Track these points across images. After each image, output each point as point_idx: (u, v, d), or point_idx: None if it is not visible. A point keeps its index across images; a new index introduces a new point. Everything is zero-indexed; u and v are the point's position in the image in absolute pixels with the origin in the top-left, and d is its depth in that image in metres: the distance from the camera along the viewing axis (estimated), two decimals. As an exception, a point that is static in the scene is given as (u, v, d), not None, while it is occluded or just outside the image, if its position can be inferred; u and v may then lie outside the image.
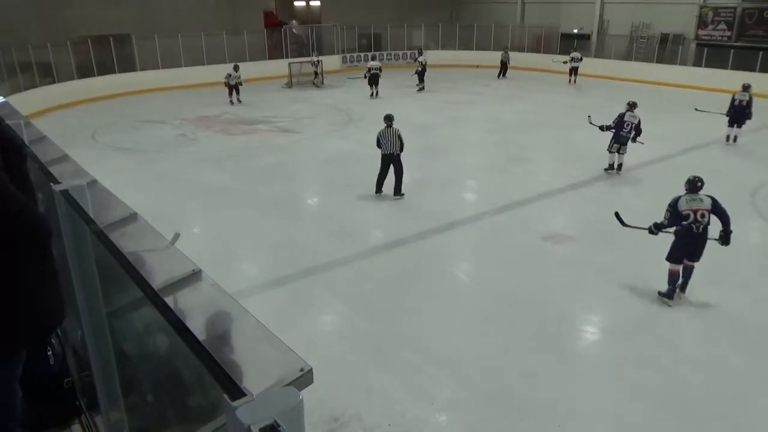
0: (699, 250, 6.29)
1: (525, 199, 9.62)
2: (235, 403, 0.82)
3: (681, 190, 6.52)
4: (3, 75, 16.04)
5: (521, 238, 8.13)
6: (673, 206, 6.30)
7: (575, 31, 25.04)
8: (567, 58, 21.84)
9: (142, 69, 20.73)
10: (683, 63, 21.32)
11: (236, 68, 18.09)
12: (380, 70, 19.20)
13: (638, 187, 10.42)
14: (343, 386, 4.98)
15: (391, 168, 9.45)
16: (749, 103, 12.78)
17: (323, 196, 10.31)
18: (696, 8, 21.25)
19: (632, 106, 10.95)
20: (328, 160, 12.11)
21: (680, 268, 6.38)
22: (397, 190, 9.50)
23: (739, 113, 12.85)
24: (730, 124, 13.15)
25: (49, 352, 2.53)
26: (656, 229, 6.58)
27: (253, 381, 0.89)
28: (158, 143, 13.67)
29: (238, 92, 18.32)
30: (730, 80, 19.21)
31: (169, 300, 1.17)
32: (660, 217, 6.49)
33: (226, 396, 0.85)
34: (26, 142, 2.75)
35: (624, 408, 4.80)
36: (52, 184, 1.84)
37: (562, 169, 11.44)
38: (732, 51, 19.84)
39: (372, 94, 19.10)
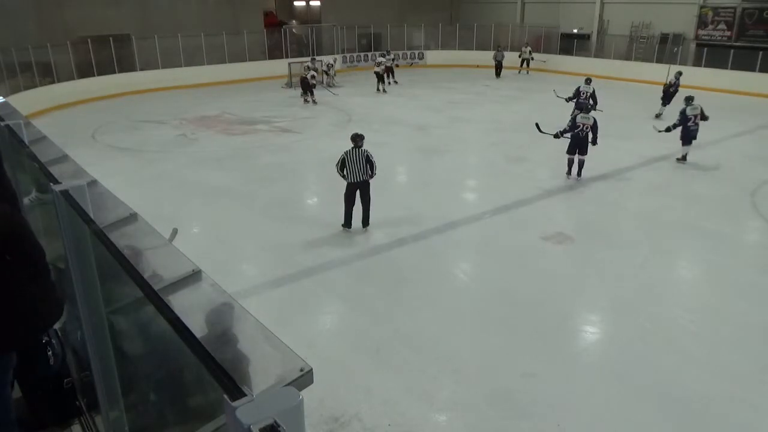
0: (584, 147, 10.37)
1: (525, 199, 9.62)
2: (235, 403, 0.82)
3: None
4: (3, 75, 16.03)
5: (521, 238, 8.13)
6: (573, 120, 10.43)
7: (575, 31, 25.04)
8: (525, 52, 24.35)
9: (142, 69, 20.73)
10: (683, 63, 21.29)
11: (317, 69, 18.69)
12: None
13: (638, 186, 10.42)
14: (343, 386, 4.98)
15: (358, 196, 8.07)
16: (676, 86, 15.16)
17: (323, 196, 10.30)
18: (696, 8, 21.25)
19: (588, 81, 13.92)
20: (328, 160, 12.04)
21: (575, 158, 10.48)
22: (366, 221, 8.22)
23: (669, 97, 15.11)
24: (664, 103, 15.36)
25: (49, 352, 2.53)
26: (561, 134, 10.48)
27: (253, 381, 0.89)
28: (158, 143, 13.66)
29: (313, 92, 18.25)
30: (730, 80, 19.29)
31: (169, 300, 1.17)
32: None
33: (226, 396, 0.85)
34: (26, 142, 2.75)
35: (624, 408, 4.80)
36: (52, 184, 1.84)
37: (561, 169, 11.44)
38: (732, 51, 19.84)
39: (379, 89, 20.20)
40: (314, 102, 17.99)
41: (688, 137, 11.26)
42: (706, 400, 4.88)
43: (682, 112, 11.30)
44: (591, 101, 12.93)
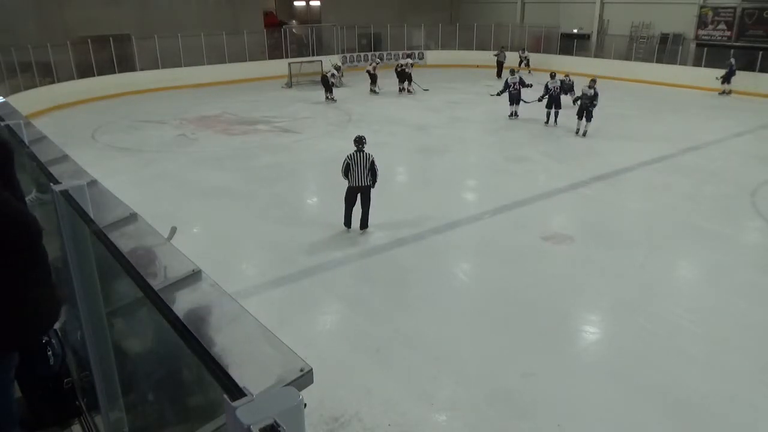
0: (558, 103, 14.54)
1: (525, 199, 9.62)
2: (235, 403, 0.82)
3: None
4: (3, 75, 16.03)
5: (521, 238, 8.13)
6: (506, 82, 15.27)
7: (575, 31, 25.04)
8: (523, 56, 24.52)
9: (142, 69, 20.72)
10: (683, 63, 21.31)
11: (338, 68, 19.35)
12: (410, 66, 19.97)
13: (638, 186, 10.43)
14: (343, 386, 4.98)
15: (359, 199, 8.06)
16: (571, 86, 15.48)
17: (323, 196, 10.31)
18: (696, 8, 21.24)
19: (566, 76, 16.00)
20: (328, 160, 12.07)
21: (552, 111, 14.67)
22: (364, 224, 8.20)
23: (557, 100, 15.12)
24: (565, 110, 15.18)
25: (49, 352, 2.52)
26: (541, 98, 14.78)
27: (253, 381, 0.89)
28: (158, 143, 13.66)
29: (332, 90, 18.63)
30: (730, 80, 19.27)
31: (169, 300, 1.17)
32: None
33: (226, 396, 0.85)
34: (26, 142, 2.75)
35: (624, 408, 4.80)
36: (52, 184, 1.84)
37: (561, 169, 11.45)
38: (732, 51, 19.84)
39: (401, 90, 19.97)
40: (333, 100, 18.27)
41: (510, 99, 15.46)
42: (706, 400, 4.88)
43: (505, 81, 15.52)
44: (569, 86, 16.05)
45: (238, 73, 22.28)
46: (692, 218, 8.88)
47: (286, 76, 21.62)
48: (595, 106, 13.28)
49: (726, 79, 18.91)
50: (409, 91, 19.77)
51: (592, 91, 13.18)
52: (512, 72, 15.83)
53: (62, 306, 2.25)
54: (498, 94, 15.98)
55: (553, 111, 14.70)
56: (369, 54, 25.38)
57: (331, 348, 5.64)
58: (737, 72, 18.87)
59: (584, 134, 13.56)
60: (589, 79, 13.91)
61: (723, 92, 19.15)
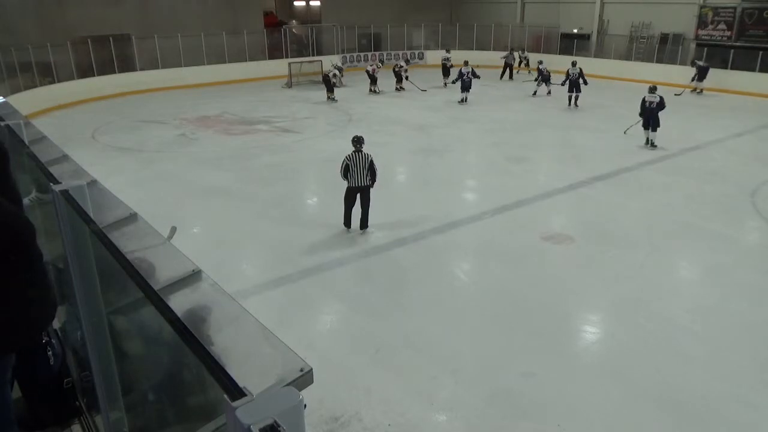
0: (577, 87, 16.91)
1: (525, 199, 9.62)
2: (235, 403, 0.82)
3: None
4: (3, 75, 16.02)
5: (521, 238, 8.13)
6: (459, 71, 17.62)
7: (575, 31, 25.02)
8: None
9: (142, 69, 20.72)
10: (683, 63, 21.29)
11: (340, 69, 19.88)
12: (449, 60, 21.50)
13: (638, 186, 10.43)
14: (343, 386, 4.98)
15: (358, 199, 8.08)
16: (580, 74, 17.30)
17: (323, 196, 10.30)
18: (696, 8, 21.23)
19: (579, 68, 17.35)
20: (328, 159, 12.07)
21: (572, 95, 17.07)
22: (364, 224, 8.20)
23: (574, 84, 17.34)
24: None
25: (49, 352, 2.52)
26: (563, 83, 17.26)
27: (253, 381, 0.89)
28: (158, 143, 13.66)
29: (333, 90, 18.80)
30: (730, 80, 19.29)
31: (169, 300, 1.17)
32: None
33: (226, 396, 0.85)
34: (26, 142, 2.75)
35: (624, 408, 4.80)
36: (52, 184, 1.84)
37: (561, 169, 11.45)
38: (732, 51, 19.83)
39: (445, 84, 21.17)
40: (335, 99, 18.40)
41: (462, 87, 17.75)
42: (706, 400, 4.88)
43: (459, 71, 17.76)
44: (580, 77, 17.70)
45: (238, 73, 22.28)
46: (692, 218, 8.88)
47: (286, 76, 21.62)
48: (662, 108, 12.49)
49: (700, 77, 19.40)
50: (397, 89, 20.42)
51: (657, 97, 12.44)
52: (465, 63, 17.92)
53: (57, 307, 2.25)
54: (453, 83, 18.42)
55: (573, 95, 17.13)
56: (369, 54, 25.40)
57: (331, 348, 5.64)
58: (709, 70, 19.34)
59: (653, 144, 12.70)
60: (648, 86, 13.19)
61: (695, 90, 19.66)
